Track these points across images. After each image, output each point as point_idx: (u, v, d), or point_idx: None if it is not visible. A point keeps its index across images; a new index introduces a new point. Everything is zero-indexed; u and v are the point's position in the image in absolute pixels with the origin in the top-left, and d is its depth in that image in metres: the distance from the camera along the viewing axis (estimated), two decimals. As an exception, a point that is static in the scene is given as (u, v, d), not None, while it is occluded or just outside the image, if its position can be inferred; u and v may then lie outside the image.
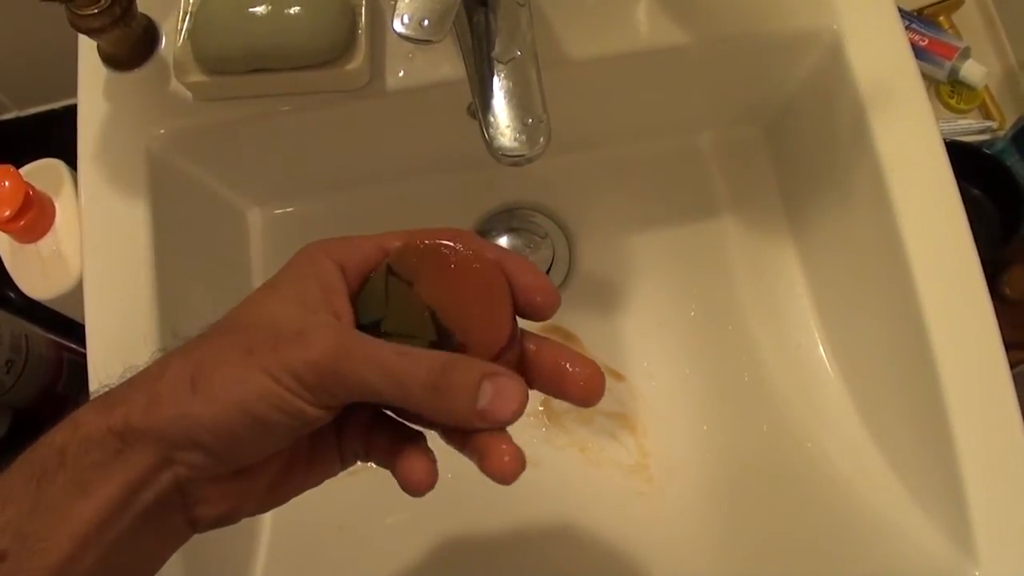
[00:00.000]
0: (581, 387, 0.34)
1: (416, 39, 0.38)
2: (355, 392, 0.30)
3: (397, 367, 0.30)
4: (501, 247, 0.35)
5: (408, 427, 0.35)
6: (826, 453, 0.56)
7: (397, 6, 0.37)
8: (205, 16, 0.49)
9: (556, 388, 0.35)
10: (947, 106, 0.94)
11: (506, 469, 0.31)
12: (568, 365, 0.34)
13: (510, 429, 0.32)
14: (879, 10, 0.54)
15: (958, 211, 0.50)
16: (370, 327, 0.33)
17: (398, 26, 0.37)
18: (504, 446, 0.31)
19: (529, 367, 0.35)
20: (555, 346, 0.35)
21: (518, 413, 0.31)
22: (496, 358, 0.33)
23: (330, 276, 0.33)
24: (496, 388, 0.31)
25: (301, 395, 0.29)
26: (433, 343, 0.33)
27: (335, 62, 0.49)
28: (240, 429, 0.29)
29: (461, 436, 0.33)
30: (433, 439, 0.35)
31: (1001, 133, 0.92)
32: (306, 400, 0.30)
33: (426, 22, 0.37)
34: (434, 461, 0.33)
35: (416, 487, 0.33)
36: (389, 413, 0.36)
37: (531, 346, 0.35)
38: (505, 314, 0.34)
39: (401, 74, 0.52)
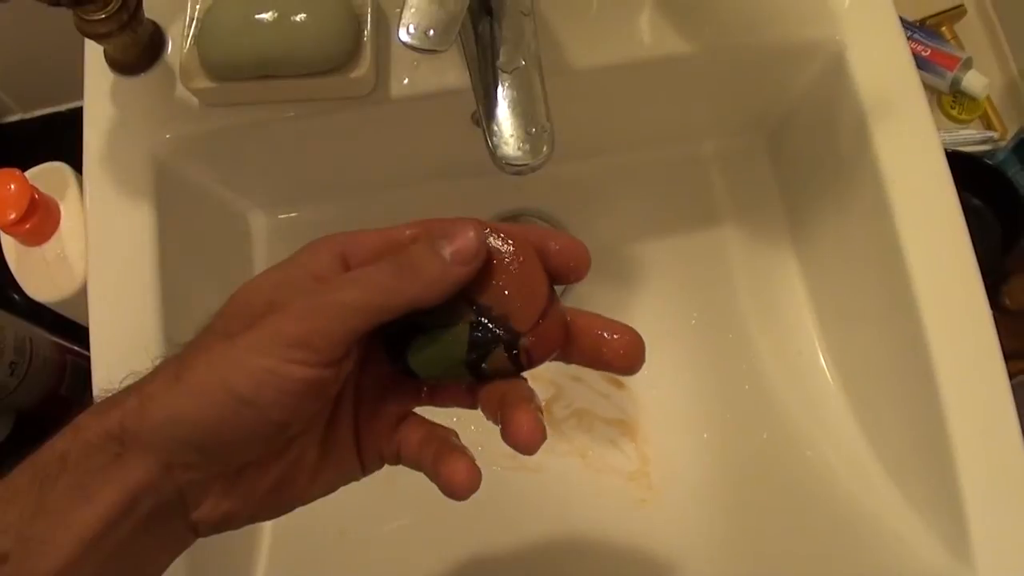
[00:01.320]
0: (622, 355, 0.33)
1: (421, 48, 0.38)
2: (341, 337, 0.30)
3: (366, 295, 0.30)
4: (519, 225, 0.35)
5: (440, 426, 0.35)
6: (826, 461, 0.56)
7: (403, 15, 0.38)
8: (212, 22, 0.49)
9: (595, 358, 0.33)
10: (949, 116, 0.94)
11: (521, 440, 0.31)
12: (606, 333, 0.33)
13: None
14: (881, 20, 0.54)
15: (959, 221, 0.50)
16: (406, 328, 0.33)
17: (404, 36, 0.37)
18: (524, 415, 0.31)
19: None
20: (589, 315, 0.34)
21: (478, 229, 0.31)
22: (541, 318, 0.33)
23: (322, 266, 0.32)
24: (449, 232, 0.31)
25: (288, 359, 0.29)
26: (475, 324, 0.32)
27: (340, 69, 0.50)
28: (228, 414, 0.29)
29: (496, 406, 0.32)
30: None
31: (1002, 144, 0.92)
32: (296, 361, 0.29)
33: (431, 32, 0.37)
34: (474, 460, 0.32)
35: (460, 489, 0.32)
36: (418, 413, 0.35)
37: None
38: (537, 273, 0.33)
39: (406, 82, 0.53)
